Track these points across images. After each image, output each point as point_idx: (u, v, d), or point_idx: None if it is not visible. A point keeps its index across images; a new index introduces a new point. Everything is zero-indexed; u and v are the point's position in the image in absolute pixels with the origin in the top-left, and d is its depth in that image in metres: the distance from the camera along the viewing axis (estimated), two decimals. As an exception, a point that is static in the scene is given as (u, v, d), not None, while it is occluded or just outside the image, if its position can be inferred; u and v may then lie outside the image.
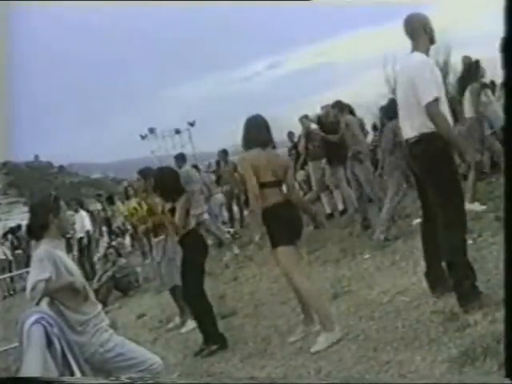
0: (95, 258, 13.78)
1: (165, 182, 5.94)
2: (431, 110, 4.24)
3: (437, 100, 4.26)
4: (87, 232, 13.51)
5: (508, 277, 1.80)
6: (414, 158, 4.53)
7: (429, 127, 4.32)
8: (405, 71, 4.59)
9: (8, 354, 7.40)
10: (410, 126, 4.45)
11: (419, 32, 4.44)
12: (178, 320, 7.08)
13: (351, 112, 9.61)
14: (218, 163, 16.23)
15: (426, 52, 4.49)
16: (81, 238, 13.17)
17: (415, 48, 4.46)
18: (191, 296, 5.76)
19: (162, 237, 6.78)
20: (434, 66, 4.54)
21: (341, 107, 9.16)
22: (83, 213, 13.73)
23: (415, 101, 4.32)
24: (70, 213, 11.72)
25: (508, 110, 1.89)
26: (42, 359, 3.10)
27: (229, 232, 13.07)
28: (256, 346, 5.35)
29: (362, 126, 12.06)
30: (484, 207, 7.20)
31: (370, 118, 16.01)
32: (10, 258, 17.55)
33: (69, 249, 11.91)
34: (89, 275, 11.55)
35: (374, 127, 14.83)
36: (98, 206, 18.62)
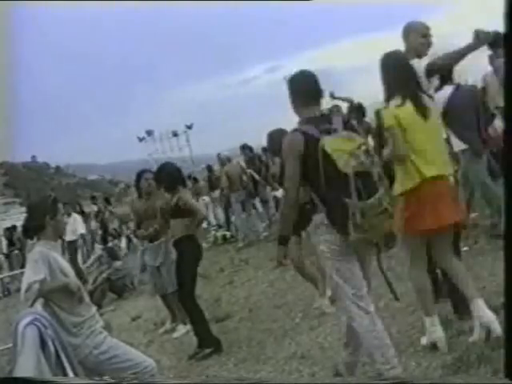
0: (90, 260, 13.74)
1: (169, 172, 6.08)
2: (432, 64, 4.22)
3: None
4: (81, 235, 13.55)
5: (508, 275, 1.80)
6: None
7: None
8: None
9: (2, 355, 7.37)
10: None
11: (413, 40, 4.46)
12: (168, 325, 7.06)
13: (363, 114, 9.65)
14: (209, 168, 16.23)
15: (418, 56, 4.50)
16: (73, 241, 13.12)
17: (406, 53, 4.49)
18: (187, 299, 5.76)
19: (162, 239, 6.72)
20: (423, 75, 4.55)
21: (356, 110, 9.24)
22: (77, 216, 13.72)
23: None
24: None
25: (508, 112, 1.89)
26: (35, 360, 3.09)
27: (225, 235, 13.10)
28: (250, 349, 5.35)
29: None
30: None
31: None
32: (5, 258, 17.51)
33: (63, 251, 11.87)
34: (83, 277, 11.55)
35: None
36: (94, 208, 18.59)
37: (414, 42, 4.45)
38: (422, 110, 3.84)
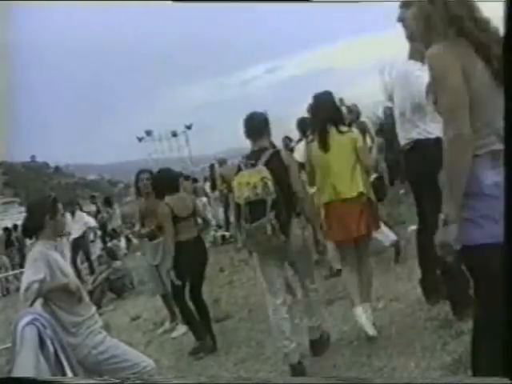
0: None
1: (161, 180, 6.06)
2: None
3: None
4: (91, 228, 13.57)
5: (508, 276, 1.80)
6: (410, 165, 4.54)
7: (423, 134, 4.32)
8: (400, 78, 4.52)
9: (1, 355, 7.37)
10: (406, 133, 4.45)
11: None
12: (168, 325, 7.06)
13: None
14: (211, 167, 16.24)
15: (422, 59, 4.44)
16: (79, 237, 13.11)
17: (411, 54, 4.43)
18: (198, 299, 5.87)
19: (161, 238, 6.71)
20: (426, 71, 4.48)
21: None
22: (81, 213, 13.73)
23: (411, 103, 4.29)
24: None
25: (508, 112, 1.88)
26: (34, 360, 3.09)
27: (224, 235, 13.10)
28: (250, 349, 5.35)
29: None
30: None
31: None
32: (5, 258, 17.52)
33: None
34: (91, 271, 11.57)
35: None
36: (93, 208, 18.58)
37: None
38: (324, 145, 4.65)
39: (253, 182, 4.22)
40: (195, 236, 5.85)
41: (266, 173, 4.21)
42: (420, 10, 2.51)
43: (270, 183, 4.20)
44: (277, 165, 4.31)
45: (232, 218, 13.13)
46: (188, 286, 5.87)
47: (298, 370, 4.35)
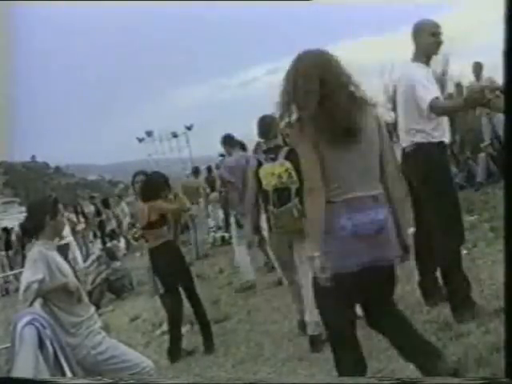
0: (89, 261, 13.69)
1: (148, 186, 6.01)
2: (435, 106, 4.12)
3: (438, 98, 4.15)
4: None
5: (508, 278, 1.80)
6: (410, 167, 4.52)
7: (425, 137, 4.31)
8: (404, 80, 4.49)
9: (0, 355, 7.35)
10: (408, 135, 4.44)
11: (424, 40, 4.35)
12: (165, 327, 7.05)
13: None
14: (208, 169, 16.26)
15: (427, 61, 4.41)
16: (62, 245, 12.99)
17: (415, 56, 4.41)
18: (198, 299, 5.91)
19: None
20: (431, 75, 4.46)
21: None
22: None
23: (415, 108, 4.26)
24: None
25: (508, 115, 1.88)
26: (33, 360, 3.09)
27: (223, 236, 13.10)
28: (249, 351, 5.34)
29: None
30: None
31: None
32: (4, 257, 17.48)
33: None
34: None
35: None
36: (92, 209, 18.54)
37: (424, 41, 4.33)
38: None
39: (277, 172, 4.80)
40: (162, 242, 5.83)
41: (289, 165, 4.76)
42: (281, 98, 3.03)
43: (293, 173, 4.73)
44: (294, 160, 4.66)
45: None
46: (181, 289, 5.93)
47: None
